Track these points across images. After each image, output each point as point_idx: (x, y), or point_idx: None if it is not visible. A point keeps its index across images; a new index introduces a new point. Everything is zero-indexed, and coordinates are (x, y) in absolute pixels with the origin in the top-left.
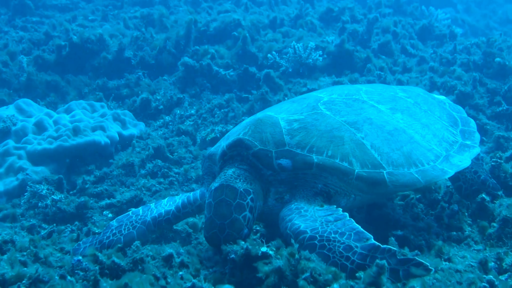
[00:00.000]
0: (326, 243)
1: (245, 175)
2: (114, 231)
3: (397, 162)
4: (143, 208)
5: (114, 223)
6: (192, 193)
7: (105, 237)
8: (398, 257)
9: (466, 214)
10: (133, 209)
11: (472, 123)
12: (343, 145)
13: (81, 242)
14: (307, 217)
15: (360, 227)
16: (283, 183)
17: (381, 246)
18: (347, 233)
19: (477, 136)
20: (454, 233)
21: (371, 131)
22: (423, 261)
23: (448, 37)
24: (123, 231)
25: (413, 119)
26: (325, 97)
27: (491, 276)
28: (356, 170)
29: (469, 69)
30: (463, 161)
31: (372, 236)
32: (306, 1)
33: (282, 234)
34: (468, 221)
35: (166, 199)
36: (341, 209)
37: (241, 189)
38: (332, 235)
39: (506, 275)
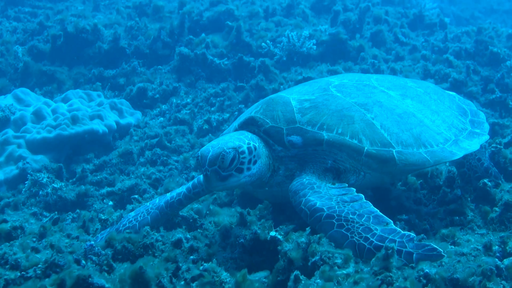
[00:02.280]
0: (344, 223)
1: None
2: (130, 219)
3: (406, 142)
4: (160, 197)
5: (131, 213)
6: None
7: (121, 225)
8: (415, 242)
9: (469, 199)
10: (151, 200)
11: (482, 115)
12: (353, 124)
13: (98, 235)
14: (321, 194)
15: (378, 210)
16: (294, 160)
17: (402, 231)
18: (366, 215)
19: (486, 126)
20: (457, 217)
21: (381, 112)
22: (437, 247)
23: (438, 26)
24: (138, 218)
25: (423, 105)
26: (336, 81)
27: (496, 259)
28: (366, 148)
29: (461, 57)
30: (471, 145)
31: (392, 221)
32: None
33: (294, 208)
34: (471, 206)
35: (181, 186)
36: (354, 189)
37: (248, 134)
38: (350, 215)
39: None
